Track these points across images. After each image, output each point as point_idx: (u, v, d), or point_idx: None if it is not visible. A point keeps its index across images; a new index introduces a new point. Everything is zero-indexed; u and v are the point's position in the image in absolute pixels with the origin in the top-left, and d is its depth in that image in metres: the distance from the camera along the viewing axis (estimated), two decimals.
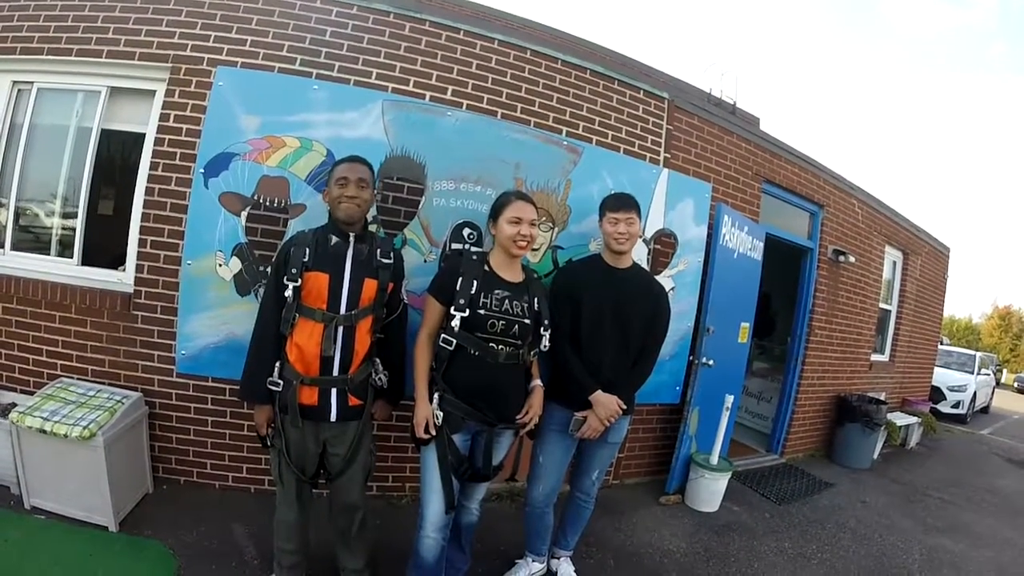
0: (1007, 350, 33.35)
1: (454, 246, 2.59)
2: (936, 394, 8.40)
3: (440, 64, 2.73)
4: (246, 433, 2.60)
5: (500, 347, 1.82)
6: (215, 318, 2.38)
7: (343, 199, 1.78)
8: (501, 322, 1.81)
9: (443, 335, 1.82)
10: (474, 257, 1.92)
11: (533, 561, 2.33)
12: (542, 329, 1.94)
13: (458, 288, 1.80)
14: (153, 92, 2.62)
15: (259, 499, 2.58)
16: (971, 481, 4.97)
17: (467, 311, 1.79)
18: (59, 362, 2.60)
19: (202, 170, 2.33)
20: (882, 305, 5.76)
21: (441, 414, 1.78)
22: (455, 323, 1.79)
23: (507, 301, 1.84)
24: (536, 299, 1.93)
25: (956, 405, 8.95)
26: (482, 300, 1.81)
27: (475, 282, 1.81)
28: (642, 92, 3.24)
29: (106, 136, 2.71)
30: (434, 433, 1.78)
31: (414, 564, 1.87)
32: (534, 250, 2.74)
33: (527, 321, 1.87)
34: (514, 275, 1.92)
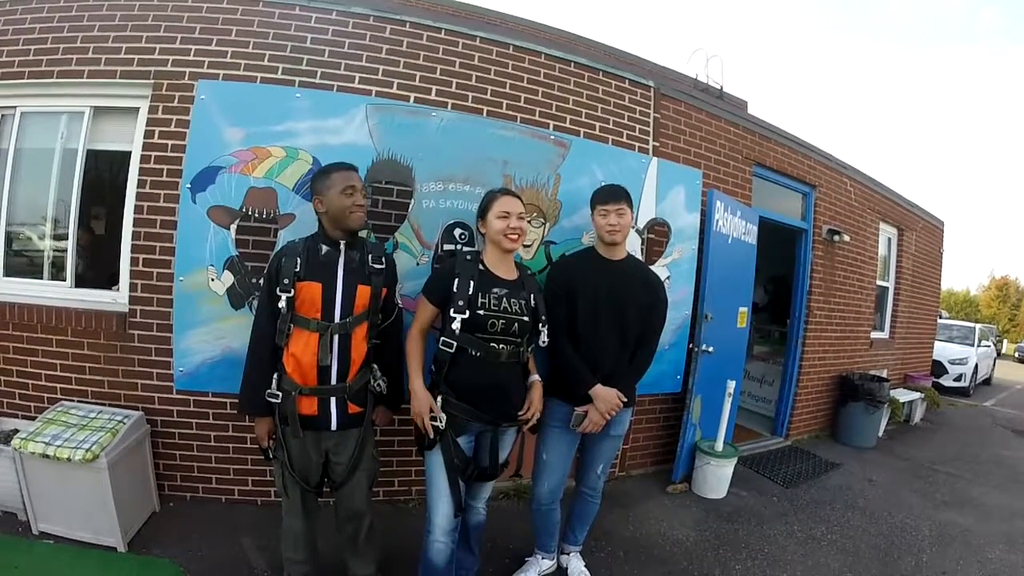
0: (1006, 320, 33.41)
1: (446, 247, 2.59)
2: (938, 368, 8.43)
3: (423, 65, 2.72)
4: (249, 446, 2.59)
5: (502, 346, 1.82)
6: (211, 333, 2.38)
7: (354, 208, 1.77)
8: (501, 321, 1.81)
9: (443, 338, 1.81)
10: (468, 258, 1.90)
11: (543, 558, 2.32)
12: (540, 324, 1.94)
13: (455, 290, 1.80)
14: (137, 109, 2.60)
15: (265, 511, 2.57)
16: (977, 454, 4.99)
17: (467, 312, 1.77)
18: (58, 386, 2.59)
19: (189, 185, 2.33)
20: (879, 282, 5.77)
21: (444, 417, 1.78)
22: (455, 325, 1.78)
23: (505, 299, 1.83)
24: (532, 295, 1.93)
25: (958, 378, 8.97)
26: (480, 300, 1.80)
27: (471, 283, 1.80)
28: (627, 81, 3.23)
29: (92, 156, 2.69)
30: (441, 427, 1.77)
31: (424, 569, 1.86)
32: (526, 246, 2.74)
33: (526, 319, 1.87)
34: (509, 272, 1.92)
